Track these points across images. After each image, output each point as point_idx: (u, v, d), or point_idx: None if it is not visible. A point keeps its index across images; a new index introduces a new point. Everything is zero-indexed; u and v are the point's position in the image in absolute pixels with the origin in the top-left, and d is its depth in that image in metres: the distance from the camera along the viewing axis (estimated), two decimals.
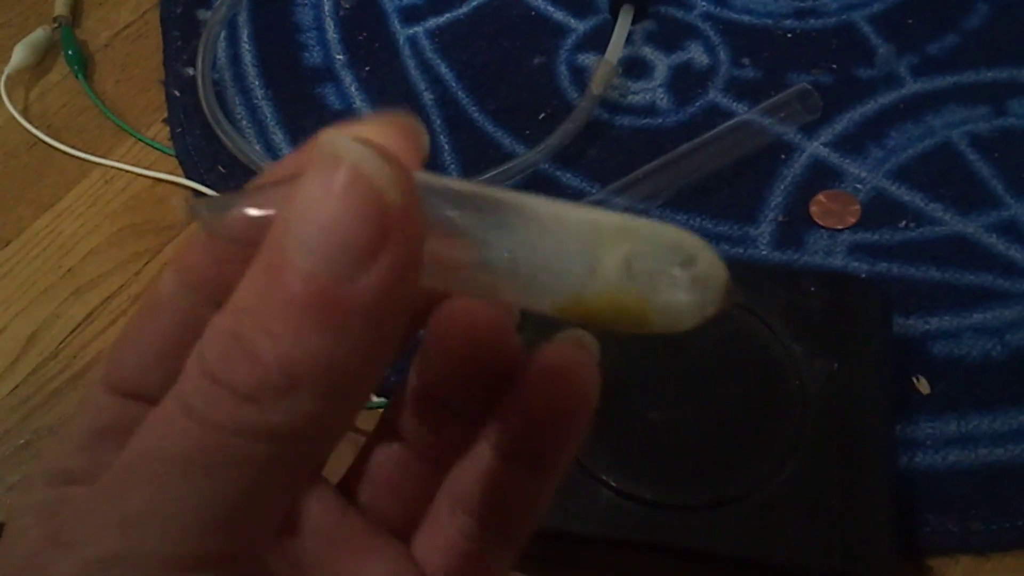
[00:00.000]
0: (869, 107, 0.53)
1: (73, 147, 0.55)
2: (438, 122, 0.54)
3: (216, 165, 0.53)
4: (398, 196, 0.14)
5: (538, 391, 0.19)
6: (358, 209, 0.14)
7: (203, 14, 0.60)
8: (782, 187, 0.50)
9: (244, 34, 0.59)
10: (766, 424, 0.38)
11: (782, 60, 0.55)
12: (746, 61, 0.55)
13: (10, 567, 0.16)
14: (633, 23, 0.55)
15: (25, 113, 0.57)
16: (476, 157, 0.52)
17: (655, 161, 0.50)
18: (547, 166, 0.52)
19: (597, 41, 0.56)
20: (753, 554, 0.36)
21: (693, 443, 0.38)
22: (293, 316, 0.14)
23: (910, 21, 0.56)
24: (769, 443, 0.37)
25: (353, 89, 0.56)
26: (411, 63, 0.57)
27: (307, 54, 0.58)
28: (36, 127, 0.56)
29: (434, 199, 0.16)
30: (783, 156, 0.51)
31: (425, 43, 0.58)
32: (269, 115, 0.55)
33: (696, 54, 0.56)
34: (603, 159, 0.52)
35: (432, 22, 0.59)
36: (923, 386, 0.43)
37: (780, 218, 0.49)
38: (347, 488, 0.22)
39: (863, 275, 0.46)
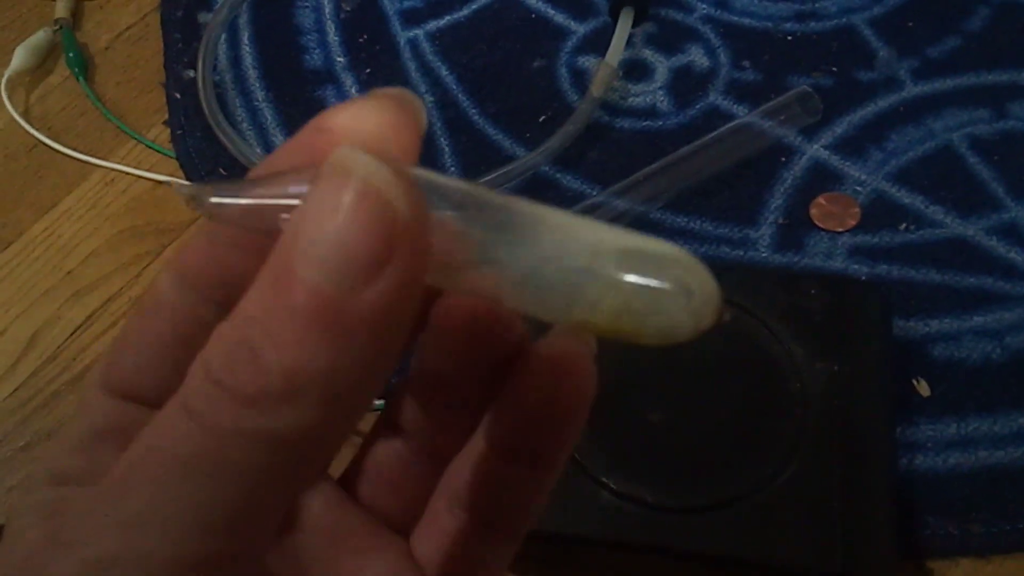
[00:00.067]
0: (869, 110, 0.53)
1: (74, 149, 0.55)
2: (438, 124, 0.54)
3: (217, 167, 0.53)
4: (406, 211, 0.14)
5: (535, 384, 0.19)
6: (366, 222, 0.14)
7: (204, 16, 0.60)
8: (782, 189, 0.50)
9: (245, 36, 0.59)
10: (766, 426, 0.38)
11: (782, 63, 0.55)
12: (746, 64, 0.56)
13: (9, 567, 0.16)
14: (633, 26, 0.55)
15: (26, 115, 0.57)
16: (476, 159, 0.52)
17: (655, 163, 0.50)
18: (547, 168, 0.52)
19: (597, 43, 0.56)
20: (753, 556, 0.36)
21: (693, 445, 0.38)
22: (298, 325, 0.14)
23: (910, 24, 0.56)
24: (769, 445, 0.37)
25: (354, 91, 0.56)
26: (411, 65, 0.57)
27: (308, 56, 0.58)
28: (37, 129, 0.56)
29: (438, 198, 0.16)
30: (783, 159, 0.51)
31: (425, 45, 0.58)
32: (270, 117, 0.55)
33: (696, 57, 0.56)
34: (603, 161, 0.52)
35: (432, 24, 0.59)
36: (923, 388, 0.43)
37: (780, 220, 0.49)
38: (348, 483, 0.22)
39: (863, 277, 0.46)
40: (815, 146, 0.51)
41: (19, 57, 0.58)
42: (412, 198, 0.14)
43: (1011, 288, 0.46)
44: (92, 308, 0.49)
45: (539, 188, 0.51)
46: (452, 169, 0.52)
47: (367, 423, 0.22)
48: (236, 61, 0.58)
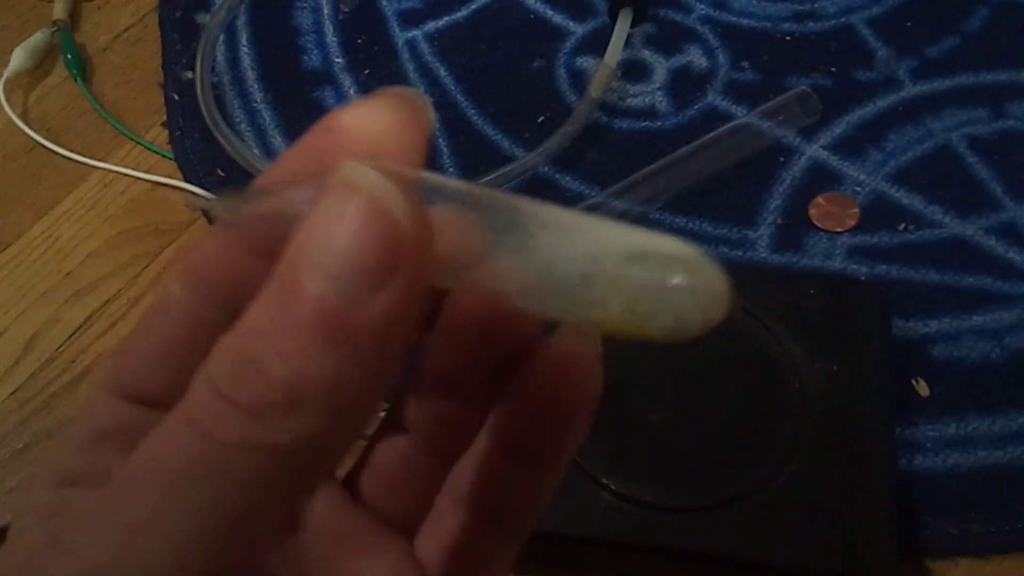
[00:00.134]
0: (868, 110, 0.53)
1: (72, 150, 0.55)
2: (437, 125, 0.54)
3: (215, 168, 0.53)
4: (411, 225, 0.14)
5: (540, 383, 0.19)
6: (372, 236, 0.14)
7: (202, 17, 0.60)
8: (781, 190, 0.50)
9: (243, 37, 0.59)
10: (766, 426, 0.38)
11: (781, 63, 0.55)
12: (745, 64, 0.56)
13: (10, 567, 0.16)
14: (632, 26, 0.55)
15: (24, 116, 0.57)
16: (475, 160, 0.52)
17: (654, 164, 0.50)
18: (546, 169, 0.52)
19: (596, 44, 0.56)
20: (753, 556, 0.36)
21: (693, 445, 0.38)
22: (303, 335, 0.14)
23: (909, 24, 0.56)
24: (769, 445, 0.37)
25: (352, 92, 0.56)
26: (410, 66, 0.57)
27: (306, 57, 0.58)
28: (35, 130, 0.56)
29: (445, 199, 0.16)
30: (782, 159, 0.51)
31: (424, 46, 0.58)
32: (268, 118, 0.55)
33: (695, 57, 0.56)
34: (602, 162, 0.52)
35: (431, 25, 0.59)
36: (922, 388, 0.43)
37: (779, 221, 0.49)
38: (351, 482, 0.22)
39: (862, 278, 0.46)
40: (814, 146, 0.51)
41: (17, 58, 0.58)
42: (416, 212, 0.14)
43: (1010, 288, 0.46)
44: (91, 309, 0.49)
45: (538, 189, 0.51)
46: (451, 170, 0.52)
47: (371, 426, 0.22)
48: (234, 62, 0.58)
